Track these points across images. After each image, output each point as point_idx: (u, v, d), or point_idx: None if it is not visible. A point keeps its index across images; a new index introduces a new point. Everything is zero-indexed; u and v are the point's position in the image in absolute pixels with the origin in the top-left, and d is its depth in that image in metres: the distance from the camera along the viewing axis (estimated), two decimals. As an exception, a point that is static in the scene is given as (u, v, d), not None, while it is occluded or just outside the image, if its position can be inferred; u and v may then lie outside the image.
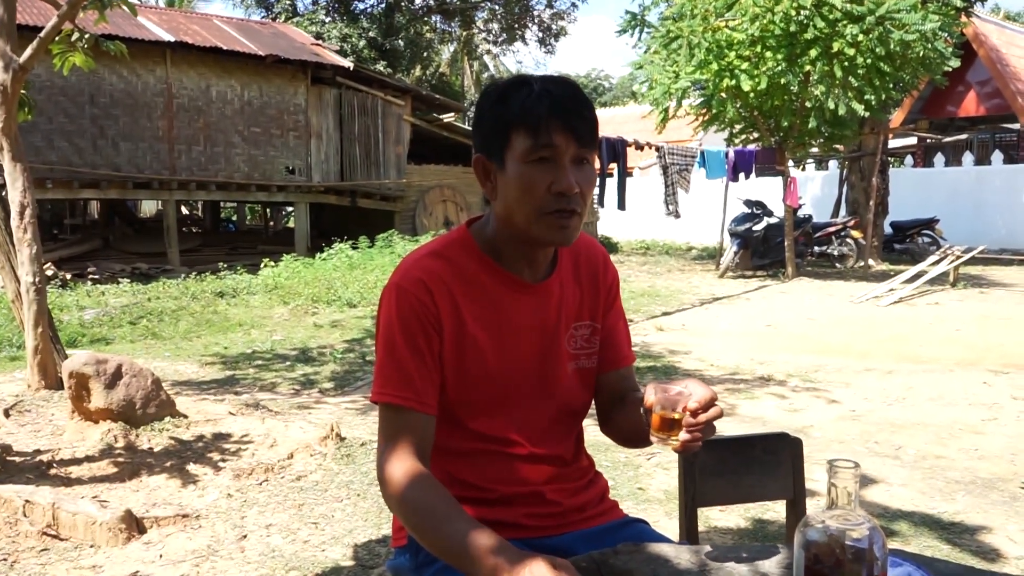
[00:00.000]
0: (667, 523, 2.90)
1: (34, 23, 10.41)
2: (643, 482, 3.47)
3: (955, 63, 11.27)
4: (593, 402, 1.46)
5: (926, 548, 2.80)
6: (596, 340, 1.41)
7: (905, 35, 10.02)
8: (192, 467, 3.54)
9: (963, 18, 13.27)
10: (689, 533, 1.58)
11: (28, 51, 4.70)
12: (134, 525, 2.86)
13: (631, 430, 1.36)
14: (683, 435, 1.14)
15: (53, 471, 3.48)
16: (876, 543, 0.93)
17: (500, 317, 1.31)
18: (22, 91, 4.84)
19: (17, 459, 3.58)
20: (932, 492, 3.39)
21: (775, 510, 3.03)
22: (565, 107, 1.21)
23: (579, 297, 1.39)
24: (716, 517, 3.04)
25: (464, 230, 1.34)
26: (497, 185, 1.26)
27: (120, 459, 3.58)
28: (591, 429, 1.50)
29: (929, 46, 10.39)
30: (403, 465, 1.19)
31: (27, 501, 2.89)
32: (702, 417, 1.13)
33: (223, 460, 3.62)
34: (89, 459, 3.59)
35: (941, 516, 3.12)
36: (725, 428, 4.43)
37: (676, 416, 1.14)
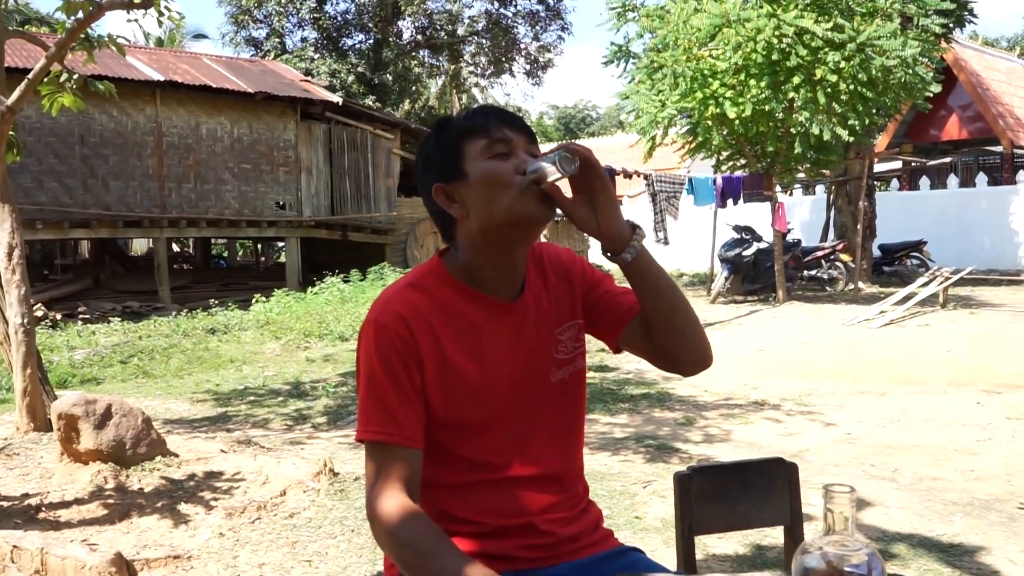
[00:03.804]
0: (665, 552, 2.87)
1: (23, 65, 10.46)
2: (640, 511, 3.44)
3: (936, 88, 11.43)
4: (645, 358, 1.41)
5: (925, 571, 2.78)
6: (583, 336, 1.42)
7: (886, 61, 10.17)
8: (183, 507, 3.50)
9: (942, 44, 13.48)
10: (687, 562, 1.56)
11: (16, 93, 4.71)
12: (124, 568, 2.81)
13: (669, 329, 1.33)
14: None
15: (42, 515, 3.43)
16: (875, 569, 0.93)
17: (481, 341, 1.31)
18: (10, 133, 4.85)
19: (5, 503, 3.53)
20: (930, 514, 3.38)
21: (774, 536, 3.00)
22: (502, 113, 1.31)
23: (555, 302, 1.39)
24: (715, 545, 3.01)
25: (437, 260, 1.35)
26: (465, 199, 1.27)
27: (110, 500, 3.53)
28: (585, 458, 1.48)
29: (910, 72, 10.55)
30: (392, 502, 1.18)
31: (15, 547, 2.83)
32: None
33: (215, 499, 3.58)
34: (78, 501, 3.54)
35: (940, 538, 3.10)
36: (720, 453, 4.41)
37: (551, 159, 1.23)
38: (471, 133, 1.27)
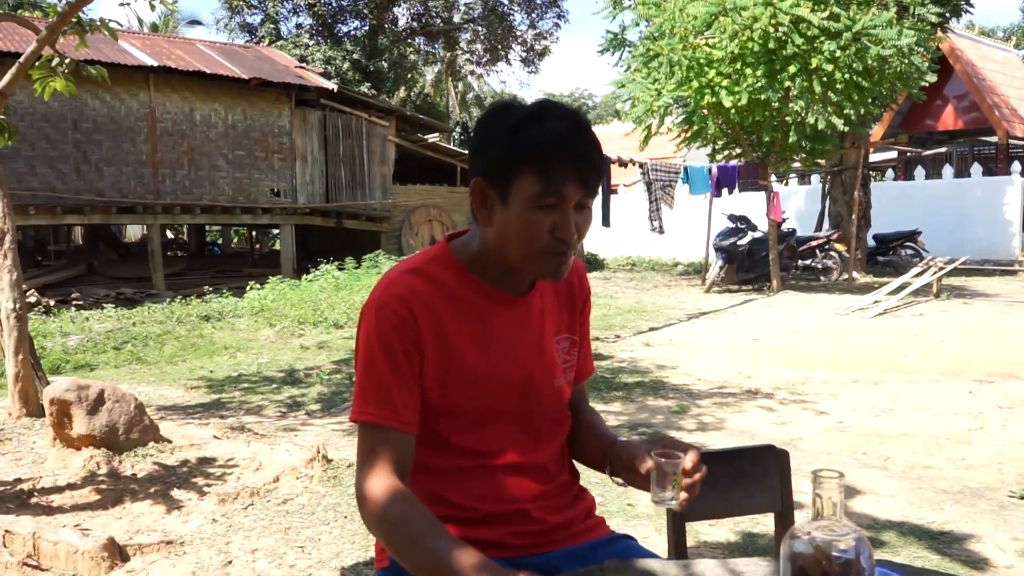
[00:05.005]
0: (657, 539, 2.88)
1: (14, 49, 10.38)
2: (632, 498, 3.45)
3: (932, 78, 11.43)
4: None
5: (915, 558, 2.80)
6: (575, 352, 1.42)
7: (882, 50, 10.16)
8: (176, 492, 3.50)
9: (938, 33, 13.47)
10: (677, 549, 1.57)
11: (7, 77, 4.68)
12: (117, 553, 2.82)
13: (582, 451, 1.45)
14: (682, 495, 1.20)
15: (34, 500, 3.42)
16: (863, 554, 0.93)
17: (485, 330, 1.29)
18: (1, 117, 4.81)
19: (-3, 488, 3.53)
20: (920, 502, 3.39)
21: (765, 523, 3.02)
22: (578, 153, 1.19)
23: (557, 310, 1.39)
24: (706, 532, 3.03)
25: (444, 247, 1.32)
26: (494, 216, 1.23)
27: (103, 486, 3.53)
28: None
29: (906, 61, 10.54)
30: (382, 484, 1.17)
31: (7, 531, 2.84)
32: (697, 476, 1.20)
33: (208, 485, 3.58)
34: (71, 487, 3.53)
35: (930, 526, 3.12)
36: (713, 441, 4.43)
37: (675, 478, 1.20)
38: (533, 167, 1.17)
